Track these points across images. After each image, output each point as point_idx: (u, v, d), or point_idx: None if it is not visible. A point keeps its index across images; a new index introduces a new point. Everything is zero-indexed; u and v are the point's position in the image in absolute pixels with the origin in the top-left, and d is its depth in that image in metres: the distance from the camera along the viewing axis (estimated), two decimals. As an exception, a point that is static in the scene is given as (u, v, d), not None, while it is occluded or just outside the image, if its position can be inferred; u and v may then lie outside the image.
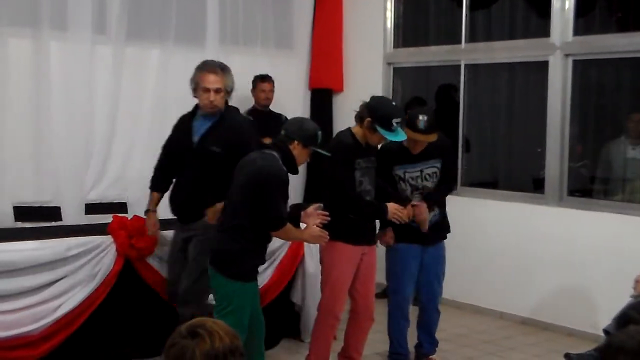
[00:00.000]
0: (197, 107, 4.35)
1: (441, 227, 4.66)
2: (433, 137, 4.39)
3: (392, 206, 4.25)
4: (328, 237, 3.92)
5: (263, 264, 4.04)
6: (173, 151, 4.43)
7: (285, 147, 3.79)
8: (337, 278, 4.25)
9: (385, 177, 4.48)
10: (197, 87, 4.23)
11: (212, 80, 4.18)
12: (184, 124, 4.38)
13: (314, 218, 3.93)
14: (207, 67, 4.25)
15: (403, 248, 4.59)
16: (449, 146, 4.75)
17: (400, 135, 4.10)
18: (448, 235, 4.75)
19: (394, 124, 4.03)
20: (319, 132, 3.88)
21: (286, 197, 3.82)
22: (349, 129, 4.27)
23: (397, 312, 4.68)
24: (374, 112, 4.09)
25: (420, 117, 4.33)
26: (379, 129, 4.05)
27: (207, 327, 1.83)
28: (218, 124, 4.24)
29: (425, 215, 4.48)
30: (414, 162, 4.49)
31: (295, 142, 3.79)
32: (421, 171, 4.52)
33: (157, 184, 4.51)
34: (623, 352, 1.85)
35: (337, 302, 4.27)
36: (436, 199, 4.57)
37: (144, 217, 4.45)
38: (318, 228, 3.90)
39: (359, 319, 4.40)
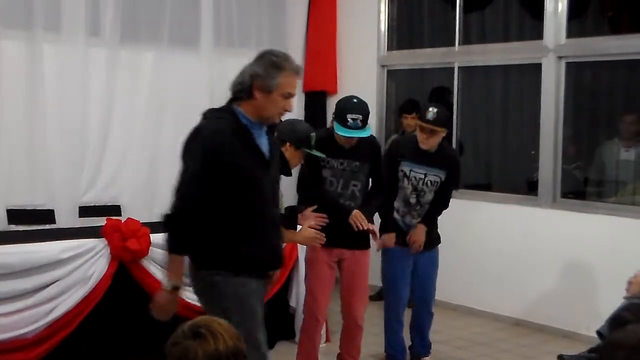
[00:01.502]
0: (233, 105, 3.02)
1: (431, 236, 4.63)
2: (438, 130, 4.40)
3: (357, 213, 4.12)
4: (324, 239, 3.89)
5: None
6: (243, 177, 2.95)
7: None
8: (311, 279, 4.27)
9: (390, 171, 4.48)
10: (275, 89, 2.97)
11: (296, 85, 3.12)
12: (242, 133, 2.98)
13: (310, 220, 3.92)
14: (295, 67, 3.08)
15: (395, 250, 4.60)
16: (457, 163, 4.73)
17: (356, 133, 4.02)
18: (442, 239, 4.76)
19: (349, 119, 4.00)
20: (312, 134, 3.86)
21: None
22: (331, 127, 4.28)
23: (391, 314, 4.70)
24: (335, 107, 4.14)
25: (431, 109, 4.40)
26: (335, 122, 4.07)
27: (212, 328, 1.83)
28: (270, 139, 3.18)
29: (417, 238, 4.53)
30: (422, 163, 4.50)
31: (287, 144, 3.79)
32: (425, 175, 4.53)
33: (191, 240, 2.95)
34: (622, 348, 1.86)
35: (314, 303, 4.24)
36: (431, 220, 4.60)
37: (165, 295, 3.00)
38: (313, 230, 3.88)
39: (346, 325, 4.38)
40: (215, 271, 2.97)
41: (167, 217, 2.93)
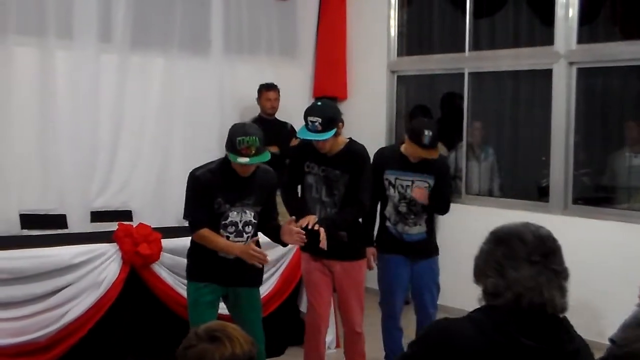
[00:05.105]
0: None
1: (427, 246, 4.48)
2: (436, 153, 4.27)
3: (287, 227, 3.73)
4: (266, 260, 3.63)
5: (223, 265, 3.69)
6: None
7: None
8: (307, 289, 4.29)
9: (375, 181, 4.31)
10: None
11: None
12: None
13: (290, 236, 3.70)
14: None
15: (391, 259, 4.44)
16: (445, 167, 4.58)
17: (313, 136, 3.87)
18: (448, 246, 4.69)
19: (309, 122, 3.87)
20: (240, 138, 3.43)
21: (204, 201, 3.56)
22: None
23: (389, 322, 4.57)
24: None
25: (426, 132, 4.17)
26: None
27: (227, 333, 1.82)
28: None
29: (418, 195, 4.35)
30: (407, 170, 4.37)
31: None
32: (412, 182, 4.39)
33: None
34: None
35: (313, 312, 4.22)
36: (429, 226, 4.47)
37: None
38: (252, 247, 3.55)
39: (346, 332, 4.35)
40: None
41: None
